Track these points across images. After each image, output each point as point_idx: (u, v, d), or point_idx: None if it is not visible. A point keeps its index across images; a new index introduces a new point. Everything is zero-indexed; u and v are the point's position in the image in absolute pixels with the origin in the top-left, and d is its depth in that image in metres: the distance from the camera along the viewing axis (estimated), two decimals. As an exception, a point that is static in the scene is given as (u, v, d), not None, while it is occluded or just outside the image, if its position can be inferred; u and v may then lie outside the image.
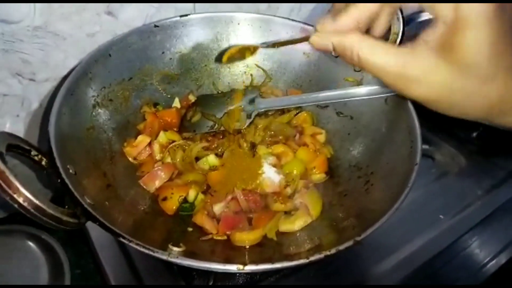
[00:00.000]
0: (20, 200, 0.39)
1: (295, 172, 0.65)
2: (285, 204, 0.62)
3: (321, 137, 0.72)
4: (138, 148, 0.66)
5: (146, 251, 0.43)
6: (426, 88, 0.35)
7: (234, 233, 0.58)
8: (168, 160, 0.66)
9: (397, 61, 0.34)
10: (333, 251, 0.44)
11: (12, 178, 0.39)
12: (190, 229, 0.60)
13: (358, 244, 0.46)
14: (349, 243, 0.45)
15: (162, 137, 0.68)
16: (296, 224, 0.59)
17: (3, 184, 0.39)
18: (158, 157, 0.67)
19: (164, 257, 0.43)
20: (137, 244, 0.43)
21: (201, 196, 0.63)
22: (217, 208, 0.60)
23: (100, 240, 0.66)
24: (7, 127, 0.71)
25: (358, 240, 0.45)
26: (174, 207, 0.62)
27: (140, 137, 0.67)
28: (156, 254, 0.43)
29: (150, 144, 0.67)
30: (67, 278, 0.69)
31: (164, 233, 0.58)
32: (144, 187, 0.64)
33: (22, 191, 0.40)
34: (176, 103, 0.75)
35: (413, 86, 0.35)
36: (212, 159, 0.66)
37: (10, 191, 0.39)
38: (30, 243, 0.73)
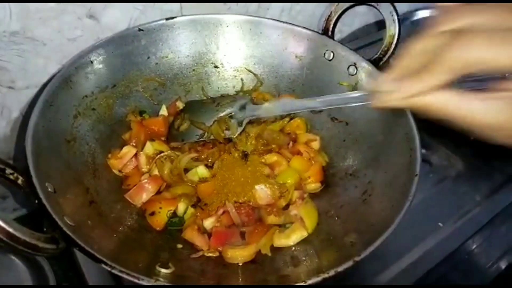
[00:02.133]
0: (-10, 228, 0.36)
1: (289, 182, 0.63)
2: (279, 217, 0.59)
3: (316, 144, 0.70)
4: (123, 160, 0.63)
5: (131, 278, 0.40)
6: None
7: (227, 249, 0.55)
8: (156, 172, 0.63)
9: (486, 112, 0.36)
10: (331, 273, 0.42)
11: (-20, 205, 0.36)
12: (179, 246, 0.57)
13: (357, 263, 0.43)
14: (349, 263, 0.43)
15: (149, 147, 0.64)
16: (291, 238, 0.57)
17: (-30, 212, 0.35)
18: (144, 169, 0.64)
19: (151, 284, 0.40)
20: (121, 271, 0.40)
21: (191, 209, 0.60)
22: (208, 223, 0.58)
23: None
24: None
25: (357, 261, 0.43)
26: (163, 222, 0.59)
27: (125, 148, 0.64)
28: (142, 282, 0.39)
29: (136, 155, 0.64)
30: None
31: (152, 252, 0.55)
32: (131, 201, 0.61)
33: (-8, 218, 0.36)
34: (163, 111, 0.72)
35: (502, 133, 0.37)
36: (202, 170, 0.62)
37: (-22, 220, 0.36)
38: (14, 258, 0.69)
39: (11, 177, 0.46)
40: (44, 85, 0.65)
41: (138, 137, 0.65)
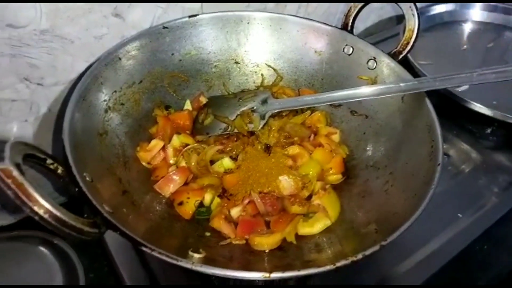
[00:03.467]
0: (41, 212, 0.38)
1: (311, 173, 0.64)
2: (302, 207, 0.61)
3: (336, 137, 0.71)
4: (151, 152, 0.65)
5: (170, 260, 0.42)
6: None
7: (253, 237, 0.57)
8: (183, 164, 0.65)
9: None
10: (359, 256, 0.43)
11: (31, 190, 0.38)
12: (207, 233, 0.59)
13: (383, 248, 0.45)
14: (375, 247, 0.44)
15: (176, 140, 0.67)
16: (315, 227, 0.58)
17: (22, 197, 0.38)
18: (172, 161, 0.66)
19: (189, 266, 0.42)
20: (160, 253, 0.42)
21: (217, 200, 0.62)
22: (235, 212, 0.60)
23: (115, 243, 0.65)
24: (15, 132, 0.70)
25: (384, 245, 0.44)
26: (191, 212, 0.61)
27: (153, 142, 0.66)
28: (180, 263, 0.42)
29: (163, 148, 0.66)
30: (82, 282, 0.68)
31: (182, 238, 0.57)
32: (159, 192, 0.63)
33: (43, 203, 0.39)
34: (188, 106, 0.74)
35: None
36: (227, 162, 0.65)
37: (30, 204, 0.38)
38: (43, 249, 0.72)
39: (51, 167, 0.49)
40: (74, 82, 0.68)
41: (165, 131, 0.67)
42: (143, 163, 0.66)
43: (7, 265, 0.67)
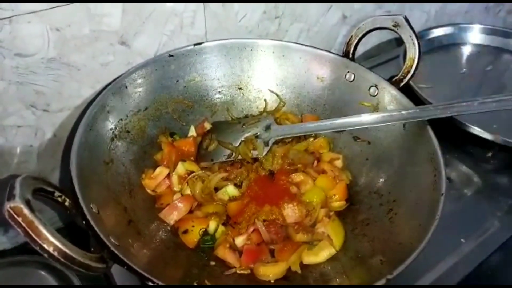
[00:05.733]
0: (50, 249, 0.39)
1: (315, 200, 0.65)
2: (307, 234, 0.61)
3: (339, 163, 0.72)
4: (156, 180, 0.66)
5: (177, 296, 0.42)
6: None
7: (258, 267, 0.57)
8: (187, 191, 0.66)
9: None
10: (366, 291, 0.43)
11: (41, 228, 0.38)
12: (212, 263, 0.59)
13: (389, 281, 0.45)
14: (382, 281, 0.44)
15: (181, 168, 0.67)
16: (320, 256, 0.59)
17: (32, 234, 0.38)
18: (177, 188, 0.66)
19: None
20: (167, 289, 0.42)
21: (221, 228, 0.62)
22: (239, 241, 0.60)
23: (117, 269, 0.64)
24: (18, 157, 0.70)
25: (390, 279, 0.44)
26: (196, 240, 0.61)
27: (158, 169, 0.66)
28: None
29: (168, 175, 0.67)
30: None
31: (186, 268, 0.57)
32: (164, 220, 0.63)
33: (52, 240, 0.39)
34: (192, 132, 0.75)
35: None
36: (231, 189, 0.65)
37: (39, 241, 0.38)
38: (44, 274, 0.71)
39: (59, 199, 0.49)
40: (82, 111, 0.69)
41: (170, 158, 0.68)
42: (148, 191, 0.66)
43: (9, 290, 0.67)
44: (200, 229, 0.62)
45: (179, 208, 0.63)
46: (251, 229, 0.61)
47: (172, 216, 0.63)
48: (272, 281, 0.56)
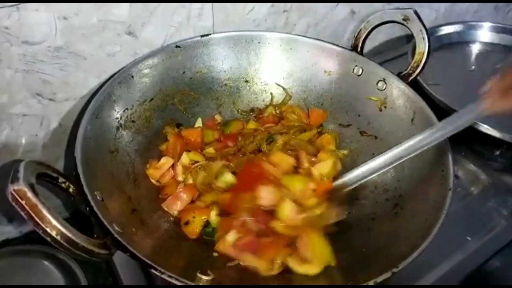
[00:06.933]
0: (53, 233, 0.39)
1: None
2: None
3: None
4: (161, 170, 0.65)
5: (179, 283, 0.42)
6: None
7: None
8: (190, 181, 0.65)
9: None
10: (370, 283, 0.43)
11: (45, 212, 0.38)
12: (215, 254, 0.58)
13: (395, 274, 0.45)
14: (387, 274, 0.44)
15: (185, 158, 0.67)
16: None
17: (35, 218, 0.38)
18: (181, 178, 0.66)
19: (198, 290, 0.42)
20: (170, 277, 0.42)
21: (217, 218, 0.61)
22: (230, 237, 0.57)
23: (121, 260, 0.64)
24: (23, 146, 0.70)
25: (395, 272, 0.44)
26: (197, 231, 0.61)
27: (163, 159, 0.66)
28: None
29: (173, 165, 0.67)
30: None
31: (189, 258, 0.57)
32: (167, 210, 0.63)
33: (55, 224, 0.39)
34: (199, 123, 0.74)
35: None
36: (228, 177, 0.64)
37: (43, 225, 0.38)
38: (48, 263, 0.71)
39: (63, 185, 0.49)
40: (88, 99, 0.69)
41: (175, 148, 0.68)
42: (153, 181, 0.66)
43: (11, 279, 0.67)
44: (201, 219, 0.61)
45: (181, 198, 0.63)
46: (239, 222, 0.58)
47: (175, 206, 0.62)
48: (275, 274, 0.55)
